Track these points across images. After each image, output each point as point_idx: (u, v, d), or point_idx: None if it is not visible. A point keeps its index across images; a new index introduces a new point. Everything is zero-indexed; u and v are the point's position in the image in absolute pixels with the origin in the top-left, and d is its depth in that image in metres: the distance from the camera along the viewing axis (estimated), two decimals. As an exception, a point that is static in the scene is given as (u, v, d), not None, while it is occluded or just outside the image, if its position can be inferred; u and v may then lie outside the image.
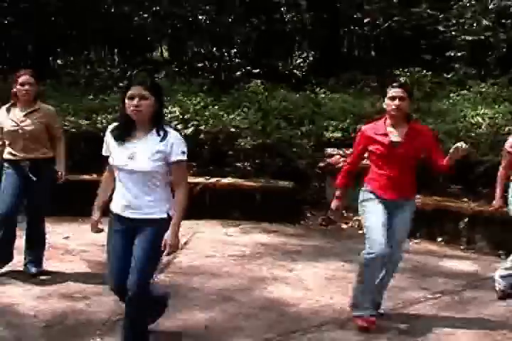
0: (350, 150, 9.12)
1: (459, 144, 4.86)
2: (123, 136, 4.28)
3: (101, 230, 4.55)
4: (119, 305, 5.13)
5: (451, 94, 10.47)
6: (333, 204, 5.61)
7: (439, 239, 8.07)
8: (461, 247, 7.90)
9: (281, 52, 14.93)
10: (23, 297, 5.72)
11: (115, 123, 4.44)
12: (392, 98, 5.04)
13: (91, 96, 9.71)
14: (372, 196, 5.25)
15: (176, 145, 4.19)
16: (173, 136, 4.23)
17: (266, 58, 14.26)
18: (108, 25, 14.78)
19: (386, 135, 5.13)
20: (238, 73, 14.05)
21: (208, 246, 7.47)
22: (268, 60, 14.04)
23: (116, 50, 16.52)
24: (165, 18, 14.94)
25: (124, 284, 4.30)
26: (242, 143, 8.93)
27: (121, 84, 10.49)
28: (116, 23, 14.91)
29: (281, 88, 10.73)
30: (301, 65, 13.72)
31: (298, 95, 10.55)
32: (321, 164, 9.31)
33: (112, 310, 5.39)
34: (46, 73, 12.28)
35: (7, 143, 6.06)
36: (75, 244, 7.42)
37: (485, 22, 11.74)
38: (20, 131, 5.95)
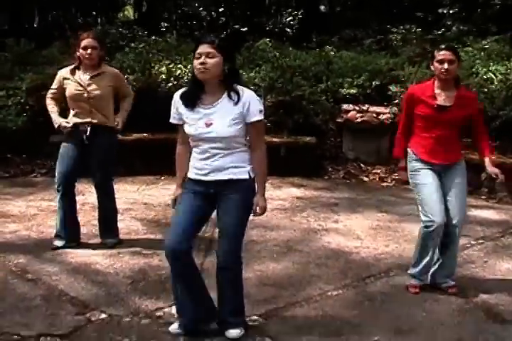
0: (366, 105, 9.54)
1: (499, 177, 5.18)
2: (194, 101, 4.07)
3: None
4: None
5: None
6: (402, 175, 5.40)
7: (461, 190, 8.45)
8: (483, 197, 8.31)
9: (269, 10, 15.04)
10: (95, 256, 5.86)
11: (183, 89, 4.21)
12: (441, 61, 4.88)
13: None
14: (419, 165, 5.11)
15: (252, 105, 3.99)
16: (248, 95, 4.03)
17: (254, 17, 14.35)
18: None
19: (434, 97, 4.99)
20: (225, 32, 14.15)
21: (249, 201, 7.71)
22: (257, 19, 14.13)
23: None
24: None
25: (182, 245, 4.09)
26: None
27: (133, 44, 10.50)
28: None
29: (290, 47, 10.92)
30: (291, 23, 13.85)
31: (305, 53, 10.73)
32: (339, 120, 9.61)
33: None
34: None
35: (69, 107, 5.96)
36: (117, 203, 7.55)
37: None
38: (85, 94, 5.82)
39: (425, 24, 12.88)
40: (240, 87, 4.07)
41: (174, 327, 4.40)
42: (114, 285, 5.22)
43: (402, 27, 12.15)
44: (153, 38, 11.10)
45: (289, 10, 13.96)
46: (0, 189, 8.34)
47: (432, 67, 5.06)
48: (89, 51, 5.75)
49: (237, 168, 4.10)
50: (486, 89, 8.99)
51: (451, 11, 12.89)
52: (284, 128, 9.33)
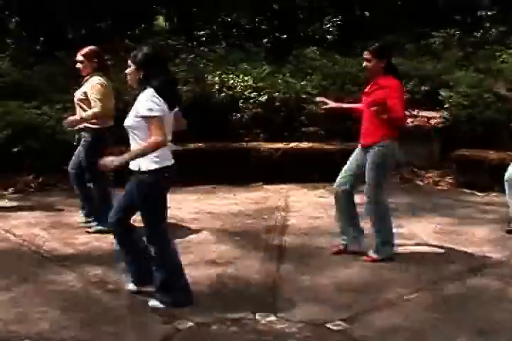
0: (416, 110, 9.66)
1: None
2: None
3: None
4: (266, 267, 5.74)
5: (497, 53, 10.82)
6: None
7: None
8: None
9: (308, 17, 15.12)
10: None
11: None
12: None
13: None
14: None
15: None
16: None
17: (293, 24, 14.45)
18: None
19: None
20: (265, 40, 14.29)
21: (310, 209, 7.87)
22: (296, 26, 14.23)
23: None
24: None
25: None
26: (314, 109, 9.27)
27: (183, 56, 10.68)
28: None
29: (335, 54, 11.03)
30: (331, 29, 13.96)
31: (352, 59, 10.83)
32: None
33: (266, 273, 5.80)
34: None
35: None
36: (181, 213, 7.69)
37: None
38: (74, 99, 6.86)
39: (464, 27, 12.92)
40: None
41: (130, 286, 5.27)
42: (195, 294, 5.27)
43: (442, 30, 12.18)
44: (201, 48, 11.27)
45: (328, 17, 14.05)
46: (61, 200, 8.46)
47: None
48: (77, 65, 6.79)
49: None
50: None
51: (489, 13, 12.91)
52: (336, 135, 9.45)
